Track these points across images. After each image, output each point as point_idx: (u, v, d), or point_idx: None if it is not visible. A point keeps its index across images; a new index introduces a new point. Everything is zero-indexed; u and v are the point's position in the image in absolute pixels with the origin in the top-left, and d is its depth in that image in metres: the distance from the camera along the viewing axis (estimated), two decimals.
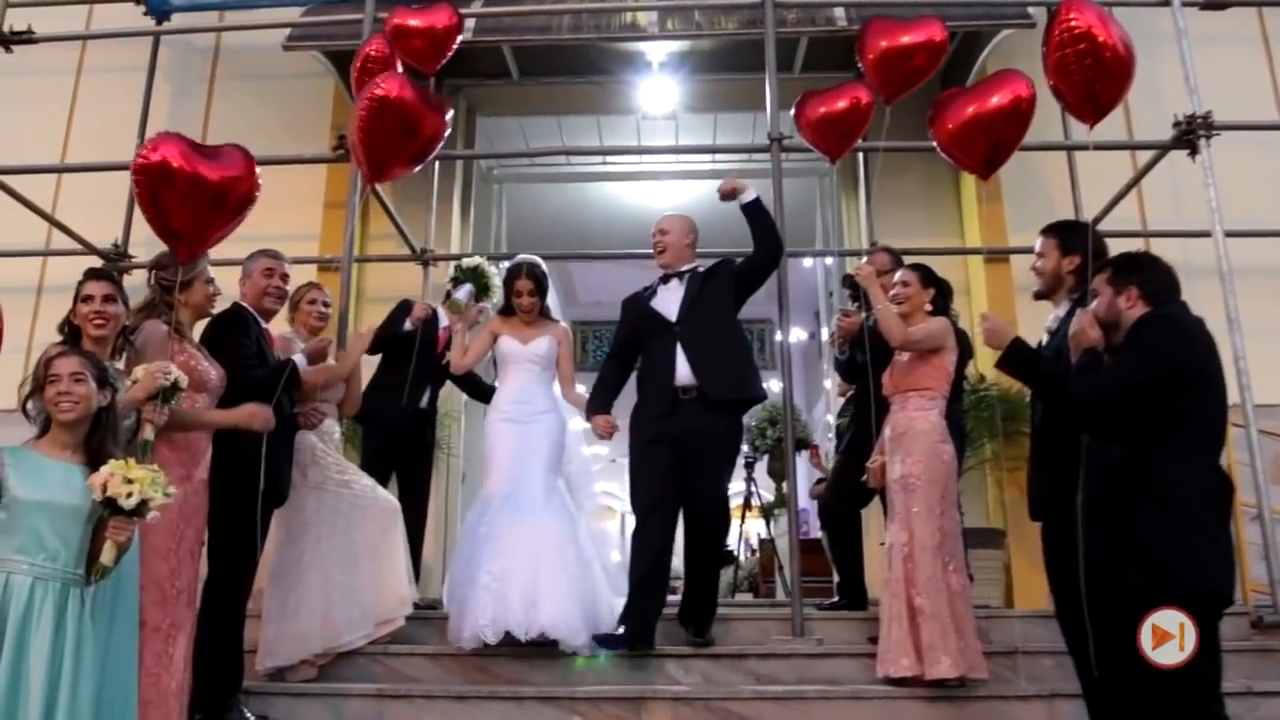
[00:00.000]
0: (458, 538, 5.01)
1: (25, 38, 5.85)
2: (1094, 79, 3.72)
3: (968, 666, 3.85)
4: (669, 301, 4.53)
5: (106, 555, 2.78)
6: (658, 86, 7.45)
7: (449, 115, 4.56)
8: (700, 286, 4.51)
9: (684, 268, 4.59)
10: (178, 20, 6.92)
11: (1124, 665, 2.76)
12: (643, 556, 4.23)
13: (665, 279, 4.60)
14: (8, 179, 5.88)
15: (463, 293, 4.92)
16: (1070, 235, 3.48)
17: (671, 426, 4.29)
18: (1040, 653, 4.22)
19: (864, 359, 4.55)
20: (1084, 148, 5.89)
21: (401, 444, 5.26)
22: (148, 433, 3.17)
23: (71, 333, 3.35)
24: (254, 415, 3.61)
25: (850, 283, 4.90)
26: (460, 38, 5.33)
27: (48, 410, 2.92)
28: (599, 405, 4.55)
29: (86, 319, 3.32)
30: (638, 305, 4.64)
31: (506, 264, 4.98)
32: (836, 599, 5.19)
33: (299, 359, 4.00)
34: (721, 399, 4.34)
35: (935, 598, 3.87)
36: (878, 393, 4.30)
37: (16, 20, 6.00)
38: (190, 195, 3.42)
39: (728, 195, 4.50)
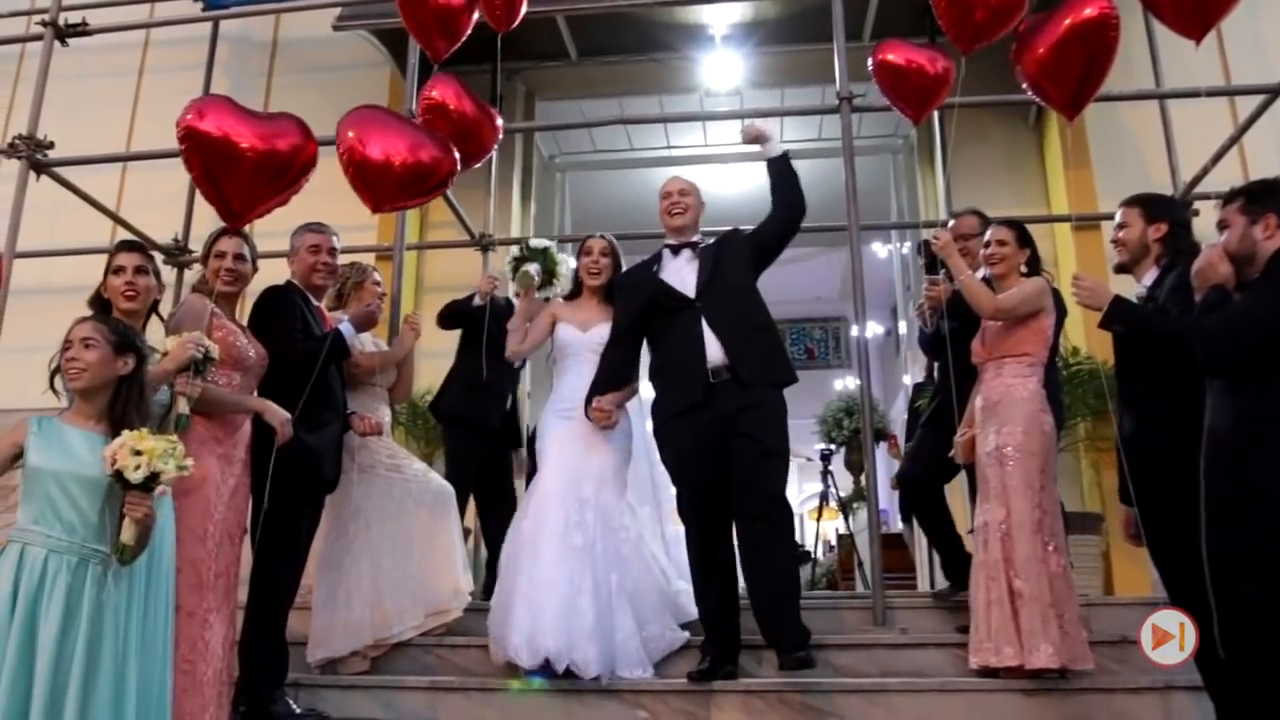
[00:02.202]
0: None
1: (80, 30, 5.81)
2: None
3: (1070, 656, 3.50)
4: (682, 275, 4.04)
5: (126, 533, 2.59)
6: (721, 61, 7.13)
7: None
8: (716, 257, 4.04)
9: (693, 238, 4.17)
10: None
11: (1259, 647, 2.41)
12: (709, 592, 3.87)
13: (675, 250, 4.14)
14: (75, 180, 5.89)
15: (533, 268, 4.58)
16: (1154, 203, 3.43)
17: (708, 420, 3.81)
18: None
19: (950, 327, 4.13)
20: (1195, 94, 5.46)
21: (491, 446, 5.00)
22: (181, 405, 3.01)
23: (101, 307, 3.22)
24: (268, 410, 3.43)
25: (926, 250, 4.35)
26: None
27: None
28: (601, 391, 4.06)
29: (117, 290, 3.21)
30: (647, 279, 4.11)
31: (573, 246, 4.69)
32: (949, 585, 4.58)
33: (345, 327, 3.82)
34: (759, 383, 3.86)
35: (1035, 580, 3.53)
36: (962, 362, 3.97)
37: (74, 17, 5.99)
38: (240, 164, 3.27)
39: (752, 140, 4.05)
